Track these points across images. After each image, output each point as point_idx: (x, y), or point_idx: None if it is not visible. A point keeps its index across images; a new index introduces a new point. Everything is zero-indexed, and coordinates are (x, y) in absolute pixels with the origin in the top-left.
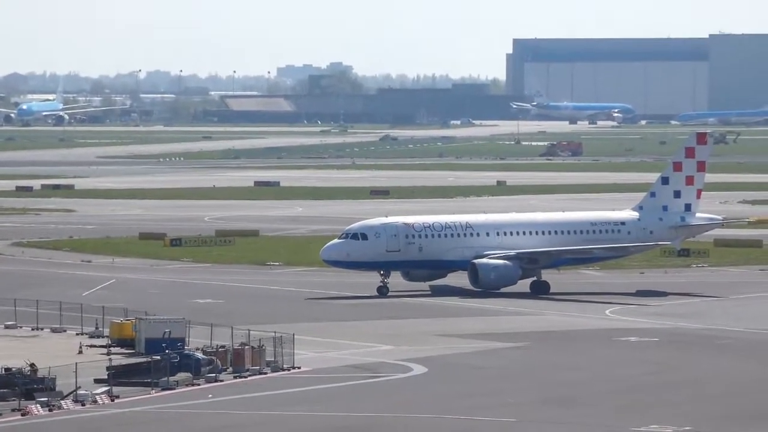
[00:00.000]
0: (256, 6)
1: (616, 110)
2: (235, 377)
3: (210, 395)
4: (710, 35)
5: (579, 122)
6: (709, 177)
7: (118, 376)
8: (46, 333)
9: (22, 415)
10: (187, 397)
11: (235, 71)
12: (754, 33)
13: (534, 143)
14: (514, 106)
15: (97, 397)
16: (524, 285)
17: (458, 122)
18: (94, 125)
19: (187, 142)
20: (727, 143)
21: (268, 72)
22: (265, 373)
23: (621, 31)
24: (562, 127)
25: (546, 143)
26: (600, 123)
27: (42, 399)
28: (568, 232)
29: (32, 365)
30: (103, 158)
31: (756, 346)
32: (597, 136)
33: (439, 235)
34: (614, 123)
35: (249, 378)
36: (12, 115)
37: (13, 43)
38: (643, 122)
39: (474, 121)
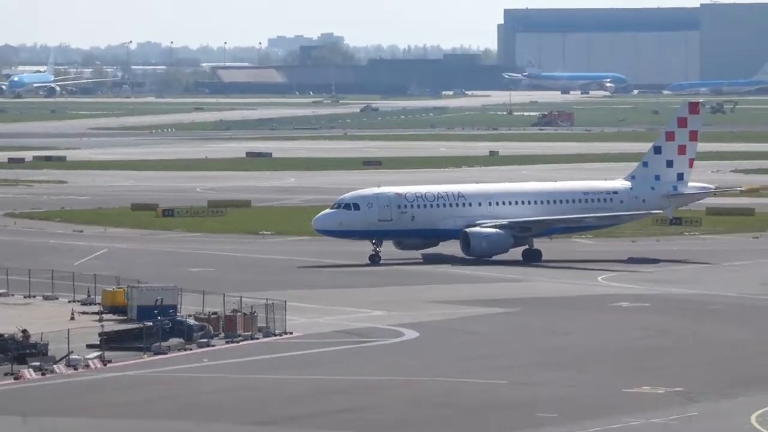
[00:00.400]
0: None
1: (608, 80)
2: (227, 343)
3: (205, 359)
4: (701, 5)
5: (572, 92)
6: (702, 146)
7: (110, 342)
8: (39, 301)
9: (15, 379)
10: (179, 361)
11: (226, 42)
12: (745, 2)
13: (526, 113)
14: (506, 77)
15: (90, 362)
16: (516, 253)
17: (450, 93)
18: (85, 97)
19: (179, 113)
20: (725, 113)
21: (259, 43)
22: (257, 339)
23: (612, 1)
24: (554, 97)
25: (537, 113)
26: (592, 93)
27: (34, 364)
28: (561, 202)
29: (24, 331)
30: (94, 130)
31: (746, 311)
32: (589, 106)
33: (431, 205)
34: (606, 93)
35: (241, 343)
36: (3, 86)
37: (3, 15)
38: (635, 92)
39: (467, 92)
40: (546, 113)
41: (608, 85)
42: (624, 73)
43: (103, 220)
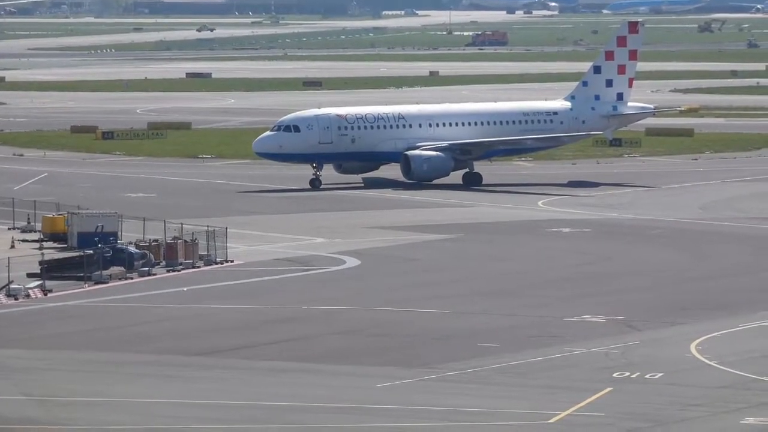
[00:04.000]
0: None
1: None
2: (168, 271)
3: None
4: None
5: (517, 12)
6: (641, 66)
7: (50, 271)
8: None
9: None
10: (120, 290)
11: None
12: None
13: (466, 33)
14: None
15: (30, 291)
16: (457, 176)
17: (401, 13)
18: (23, 17)
19: (118, 33)
20: (713, 31)
21: None
22: (198, 267)
23: None
24: (494, 16)
25: (472, 33)
26: (536, 12)
27: None
28: (501, 123)
29: None
30: (33, 50)
31: (687, 235)
32: (529, 26)
33: (372, 127)
34: (551, 12)
35: (182, 272)
36: None
37: None
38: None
39: (417, 12)
40: (479, 33)
41: (551, 4)
42: None
43: (43, 143)
